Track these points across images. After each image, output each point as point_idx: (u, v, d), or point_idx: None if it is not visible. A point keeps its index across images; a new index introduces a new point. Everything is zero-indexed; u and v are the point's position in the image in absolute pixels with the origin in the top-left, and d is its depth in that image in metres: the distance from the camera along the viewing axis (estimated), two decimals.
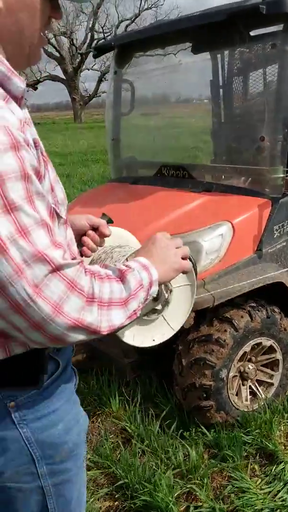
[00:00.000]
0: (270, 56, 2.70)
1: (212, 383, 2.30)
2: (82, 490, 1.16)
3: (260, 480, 2.15)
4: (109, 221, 1.32)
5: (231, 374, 2.38)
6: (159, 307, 1.39)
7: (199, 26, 2.61)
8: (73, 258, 0.90)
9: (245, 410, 2.46)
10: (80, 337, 0.88)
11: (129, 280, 0.96)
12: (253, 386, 2.53)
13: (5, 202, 0.78)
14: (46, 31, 0.98)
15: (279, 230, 2.51)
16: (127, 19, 38.39)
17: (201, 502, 2.04)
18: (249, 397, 2.51)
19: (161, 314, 1.40)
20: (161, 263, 1.07)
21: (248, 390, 2.52)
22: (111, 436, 2.46)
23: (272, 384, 2.57)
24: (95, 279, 0.90)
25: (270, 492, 2.08)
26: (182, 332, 2.41)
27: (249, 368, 2.47)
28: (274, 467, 2.19)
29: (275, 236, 2.52)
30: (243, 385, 2.50)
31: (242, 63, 3.32)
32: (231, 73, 3.39)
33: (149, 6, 37.95)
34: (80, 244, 1.25)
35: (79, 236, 1.25)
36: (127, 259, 1.27)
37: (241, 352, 2.40)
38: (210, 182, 2.84)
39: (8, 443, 0.98)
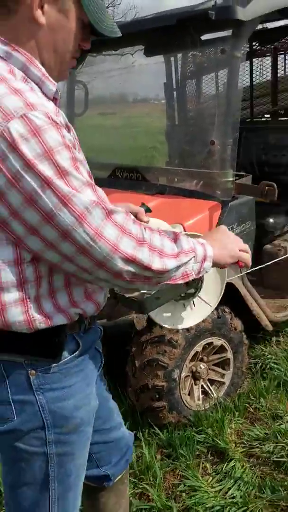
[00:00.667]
0: (220, 60, 2.75)
1: (165, 384, 2.32)
2: (80, 472, 1.25)
3: (211, 478, 2.19)
4: (147, 210, 1.41)
5: (183, 374, 2.41)
6: (191, 291, 1.50)
7: (152, 29, 2.62)
8: None
9: (198, 409, 2.50)
10: (135, 270, 1.03)
11: (182, 242, 1.11)
12: (205, 386, 2.57)
13: (58, 169, 0.93)
14: (77, 54, 1.13)
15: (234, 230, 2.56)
16: None
17: (153, 502, 2.05)
18: (201, 396, 2.55)
19: (197, 296, 1.52)
20: (220, 246, 1.22)
21: (200, 390, 2.55)
22: None
23: (223, 383, 2.62)
24: (145, 229, 1.06)
25: (221, 490, 2.12)
26: (135, 334, 2.42)
27: (201, 368, 2.51)
28: (225, 465, 2.23)
29: None
30: (195, 384, 2.54)
31: (195, 66, 3.37)
32: (184, 76, 3.43)
33: (106, 5, 37.88)
34: None
35: None
36: None
37: (192, 352, 2.43)
38: (164, 184, 2.86)
39: (26, 406, 1.11)
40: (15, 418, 1.10)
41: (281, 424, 2.45)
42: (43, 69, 1.04)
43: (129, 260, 1.01)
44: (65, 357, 1.14)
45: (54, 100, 1.09)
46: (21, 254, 1.01)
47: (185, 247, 1.12)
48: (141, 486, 2.13)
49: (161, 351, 2.32)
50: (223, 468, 2.22)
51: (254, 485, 2.11)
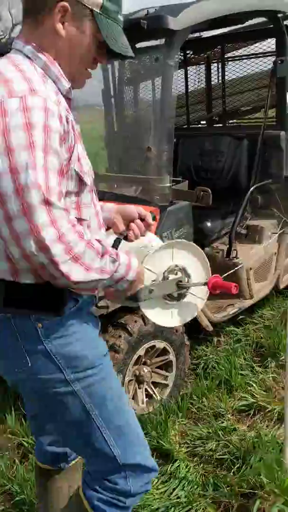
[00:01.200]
0: (155, 68, 2.81)
1: None
2: (117, 393, 1.41)
3: (156, 480, 2.21)
4: (153, 218, 1.57)
5: (127, 379, 2.43)
6: (184, 290, 1.61)
7: None
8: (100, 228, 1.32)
9: (142, 413, 2.52)
10: (43, 260, 1.10)
11: (106, 262, 1.21)
12: (148, 389, 2.60)
13: (28, 143, 1.06)
14: (92, 67, 1.32)
15: (167, 237, 2.61)
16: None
17: None
18: (145, 399, 2.58)
19: (188, 293, 1.63)
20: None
21: (144, 393, 2.58)
22: (6, 453, 2.39)
23: (167, 385, 2.67)
24: (76, 233, 1.13)
25: (166, 491, 2.14)
26: None
27: (144, 371, 2.54)
28: (169, 466, 2.26)
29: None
30: (139, 388, 2.56)
31: (131, 74, 3.41)
32: (122, 83, 3.46)
33: None
34: (127, 228, 1.53)
35: (128, 221, 1.53)
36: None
37: (135, 356, 2.46)
38: (103, 190, 2.87)
39: (39, 355, 1.26)
40: (30, 365, 1.26)
41: (223, 422, 2.52)
42: (59, 67, 1.23)
43: (43, 248, 1.08)
44: (66, 311, 1.28)
45: (68, 99, 1.26)
46: None
47: (107, 267, 1.22)
48: None
49: None
50: (168, 469, 2.25)
51: (198, 484, 2.16)
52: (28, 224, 1.06)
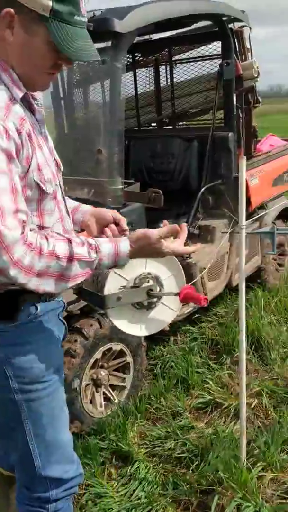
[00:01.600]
0: (103, 71, 2.81)
1: (65, 395, 2.30)
2: (55, 414, 1.41)
3: (116, 483, 2.21)
4: (129, 224, 1.53)
5: (84, 383, 2.41)
6: (154, 299, 1.63)
7: None
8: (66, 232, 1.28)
9: (100, 416, 2.51)
10: (8, 279, 1.12)
11: (75, 267, 1.20)
12: (106, 392, 2.59)
13: None
14: (53, 71, 1.26)
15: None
16: None
17: None
18: (103, 403, 2.57)
19: (160, 302, 1.63)
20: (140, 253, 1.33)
21: (102, 396, 2.57)
22: None
23: (124, 387, 2.67)
24: (31, 252, 1.13)
25: (126, 493, 2.14)
26: None
27: (101, 375, 2.53)
28: (129, 468, 2.26)
29: None
30: (97, 392, 2.55)
31: (81, 76, 3.40)
32: (71, 86, 3.44)
33: None
34: (101, 232, 1.50)
35: (102, 225, 1.51)
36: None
37: (92, 360, 2.45)
38: None
39: None
40: None
41: (181, 421, 2.55)
42: (14, 77, 1.21)
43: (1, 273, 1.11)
44: (22, 319, 1.29)
45: (30, 105, 1.27)
46: None
47: (79, 270, 1.21)
48: None
49: None
50: (128, 471, 2.25)
51: (157, 484, 2.17)
52: None
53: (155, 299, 1.63)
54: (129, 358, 2.66)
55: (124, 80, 3.71)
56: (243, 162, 1.92)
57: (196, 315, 3.47)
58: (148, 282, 1.60)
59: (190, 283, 3.16)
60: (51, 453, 1.42)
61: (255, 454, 2.25)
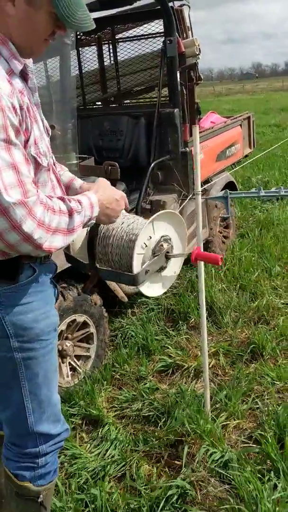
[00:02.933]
0: (52, 47, 2.81)
1: None
2: (49, 375, 1.49)
3: (89, 445, 2.31)
4: (124, 190, 1.61)
5: None
6: (166, 264, 1.76)
7: None
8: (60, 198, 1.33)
9: (68, 386, 2.59)
10: (28, 248, 1.23)
11: (75, 219, 1.32)
12: (72, 362, 2.67)
13: None
14: (51, 38, 1.32)
15: None
16: None
17: None
18: (69, 373, 2.64)
19: (166, 268, 1.78)
20: (108, 203, 1.47)
21: (68, 367, 2.65)
22: None
23: (89, 356, 2.75)
24: (47, 211, 1.24)
25: (99, 453, 2.25)
26: None
27: (66, 346, 2.60)
28: (100, 430, 2.36)
29: None
30: (63, 362, 2.62)
31: None
32: None
33: None
34: None
35: None
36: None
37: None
38: None
39: None
40: None
41: (146, 383, 2.67)
42: (13, 50, 1.26)
43: (25, 240, 1.21)
44: (22, 280, 1.37)
45: (25, 75, 1.31)
46: None
47: (76, 223, 1.33)
48: None
49: None
50: (99, 434, 2.35)
51: (129, 442, 2.28)
52: (9, 222, 1.18)
53: (166, 264, 1.77)
54: (92, 329, 2.74)
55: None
56: (197, 130, 2.03)
57: None
58: (163, 246, 1.72)
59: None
60: (44, 411, 1.50)
61: (218, 407, 2.42)
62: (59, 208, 1.29)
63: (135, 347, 2.99)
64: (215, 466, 2.04)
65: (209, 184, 3.95)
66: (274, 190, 2.17)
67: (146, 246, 1.72)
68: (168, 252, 1.74)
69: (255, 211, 5.66)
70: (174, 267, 1.86)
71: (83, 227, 1.40)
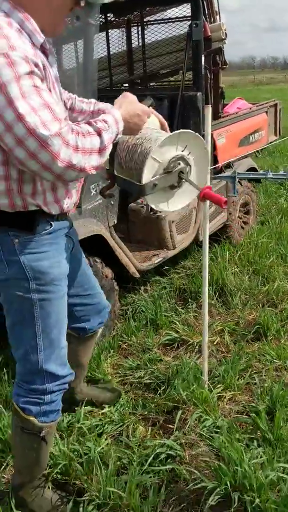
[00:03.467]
0: (77, 29, 2.92)
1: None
2: (61, 317, 1.69)
3: (90, 406, 2.45)
4: (152, 104, 1.73)
5: None
6: (178, 184, 1.79)
7: None
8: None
9: None
10: (73, 174, 1.40)
11: (104, 137, 1.45)
12: None
13: (21, 91, 1.28)
14: (69, 13, 1.47)
15: (95, 189, 2.80)
16: None
17: None
18: None
19: (186, 181, 1.79)
20: (130, 118, 1.60)
21: None
22: None
23: None
24: (78, 136, 1.38)
25: (100, 413, 2.39)
26: None
27: None
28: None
29: (92, 195, 2.80)
30: None
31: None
32: None
33: None
34: None
35: None
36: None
37: None
38: None
39: (13, 264, 1.56)
40: (7, 271, 1.57)
41: (150, 355, 2.80)
42: (35, 25, 1.39)
43: (67, 166, 1.36)
44: (40, 231, 1.57)
45: (44, 50, 1.45)
46: (7, 157, 1.40)
47: (106, 140, 1.46)
48: None
49: None
50: None
51: (128, 406, 2.42)
52: (50, 155, 1.33)
53: (183, 180, 1.79)
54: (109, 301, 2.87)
55: (96, 40, 3.83)
56: (209, 109, 2.09)
57: (165, 267, 3.70)
58: (179, 164, 1.76)
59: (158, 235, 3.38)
60: (53, 351, 1.68)
61: (216, 380, 2.53)
62: (87, 131, 1.42)
63: (143, 321, 3.12)
64: (205, 432, 2.15)
65: (230, 169, 4.00)
66: (282, 173, 2.24)
67: (161, 162, 1.73)
68: (182, 172, 1.75)
69: (280, 200, 5.66)
70: (188, 192, 1.85)
71: (112, 145, 1.54)
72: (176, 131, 1.77)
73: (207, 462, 1.98)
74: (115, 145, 1.72)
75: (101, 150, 1.45)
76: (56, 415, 1.78)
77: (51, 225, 1.60)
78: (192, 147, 1.81)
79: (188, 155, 1.80)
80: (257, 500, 1.72)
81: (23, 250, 1.55)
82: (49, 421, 1.75)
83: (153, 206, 1.85)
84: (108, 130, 1.47)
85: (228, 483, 1.79)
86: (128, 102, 1.63)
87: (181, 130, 1.78)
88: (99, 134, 1.44)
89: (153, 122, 1.87)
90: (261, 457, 1.94)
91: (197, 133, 1.82)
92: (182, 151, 1.78)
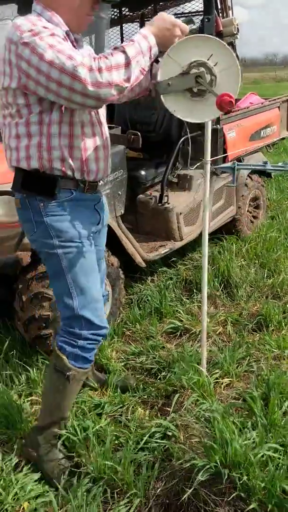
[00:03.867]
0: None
1: (50, 313, 2.60)
2: (85, 267, 1.88)
3: (92, 386, 2.53)
4: (190, 23, 1.75)
5: None
6: (195, 89, 1.74)
7: None
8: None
9: None
10: (108, 91, 1.57)
11: (129, 52, 1.59)
12: None
13: (49, 45, 1.55)
14: (89, 14, 1.74)
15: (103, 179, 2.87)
16: None
17: None
18: None
19: (212, 95, 1.70)
20: (157, 25, 1.69)
21: None
22: None
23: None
24: (101, 59, 1.56)
25: (103, 394, 2.48)
26: (20, 272, 2.66)
27: None
28: (108, 376, 2.59)
29: (99, 185, 2.87)
30: None
31: None
32: None
33: None
34: None
35: None
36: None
37: None
38: None
39: (39, 224, 1.82)
40: (36, 230, 1.83)
41: (153, 342, 2.87)
42: (60, 19, 1.69)
43: (97, 86, 1.55)
44: (61, 199, 1.80)
45: (70, 38, 1.70)
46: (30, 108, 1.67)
47: (132, 53, 1.60)
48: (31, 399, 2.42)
49: (45, 284, 2.60)
50: (108, 379, 2.57)
51: (129, 389, 2.50)
52: (82, 82, 1.54)
53: (206, 89, 1.71)
54: (108, 288, 2.96)
55: (111, 34, 3.91)
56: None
57: (173, 259, 3.77)
58: (199, 69, 1.70)
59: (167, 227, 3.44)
60: (85, 298, 1.90)
61: (215, 366, 2.59)
62: (110, 53, 1.60)
63: (148, 309, 3.19)
64: (200, 416, 2.22)
65: (241, 163, 4.04)
66: (281, 164, 2.28)
67: (179, 62, 1.70)
68: (200, 77, 1.69)
69: None
70: (210, 110, 1.77)
71: (149, 58, 1.66)
72: (201, 34, 1.73)
73: (201, 442, 2.04)
74: (156, 60, 1.74)
75: (127, 64, 1.59)
76: (85, 363, 1.97)
77: (72, 193, 1.82)
78: (219, 58, 1.72)
79: (214, 65, 1.71)
80: (245, 477, 1.79)
81: (47, 212, 1.79)
82: (78, 366, 1.94)
83: (170, 110, 1.80)
84: (133, 45, 1.61)
85: (218, 461, 1.85)
86: (160, 18, 1.72)
87: (207, 35, 1.73)
88: (123, 51, 1.59)
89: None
90: (253, 440, 1.99)
91: (224, 43, 1.73)
92: (208, 59, 1.71)
